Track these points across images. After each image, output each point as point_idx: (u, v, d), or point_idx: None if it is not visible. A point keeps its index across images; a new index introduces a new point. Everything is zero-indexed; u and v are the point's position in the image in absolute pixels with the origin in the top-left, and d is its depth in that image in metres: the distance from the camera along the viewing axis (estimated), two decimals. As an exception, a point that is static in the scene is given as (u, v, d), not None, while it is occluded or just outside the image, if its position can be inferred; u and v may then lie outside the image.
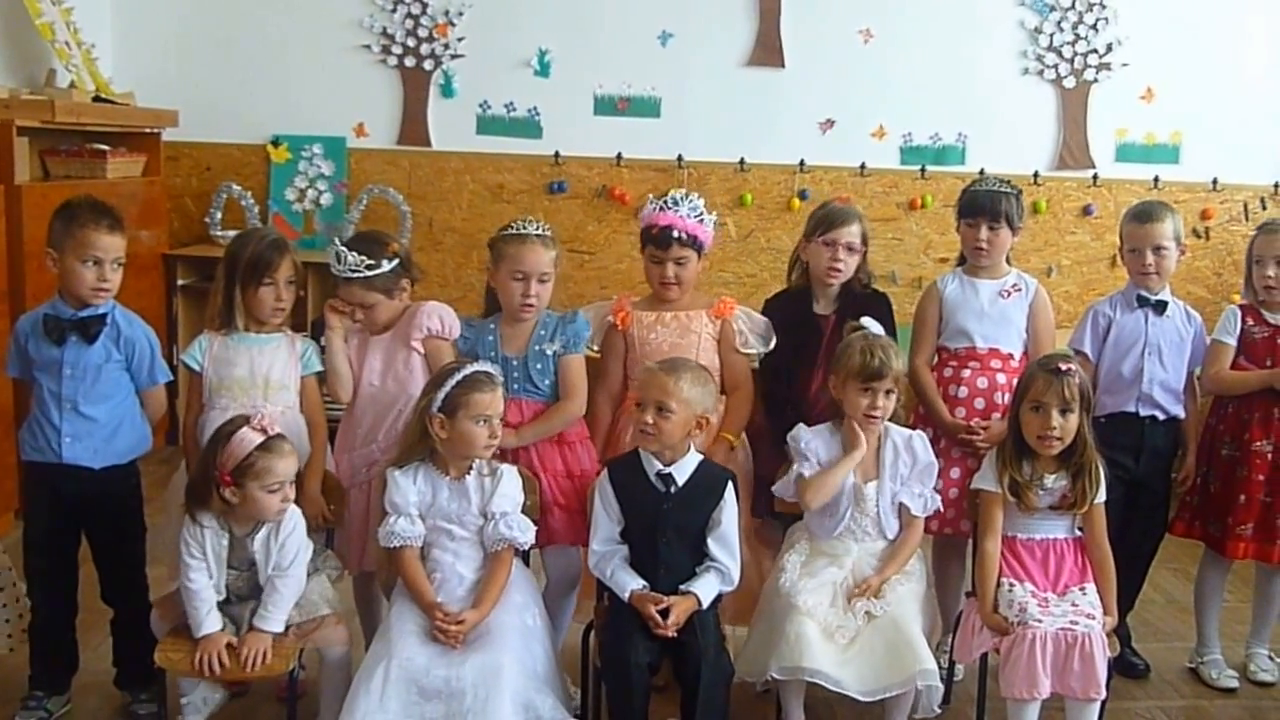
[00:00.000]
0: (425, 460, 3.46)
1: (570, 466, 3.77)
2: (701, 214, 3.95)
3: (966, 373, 4.05)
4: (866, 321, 3.75)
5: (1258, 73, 7.12)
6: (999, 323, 4.08)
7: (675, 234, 3.89)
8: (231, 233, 6.31)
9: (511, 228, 3.81)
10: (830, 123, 7.05)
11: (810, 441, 3.68)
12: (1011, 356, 4.06)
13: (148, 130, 6.49)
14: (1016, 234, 4.13)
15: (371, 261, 3.68)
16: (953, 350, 4.10)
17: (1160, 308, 4.14)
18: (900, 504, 3.68)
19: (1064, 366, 3.57)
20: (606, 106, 7.01)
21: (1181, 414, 4.18)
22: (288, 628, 3.38)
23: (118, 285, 3.57)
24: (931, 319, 4.15)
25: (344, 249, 3.70)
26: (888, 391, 3.62)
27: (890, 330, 3.93)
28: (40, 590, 3.69)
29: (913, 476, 3.69)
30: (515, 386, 3.71)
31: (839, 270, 4.05)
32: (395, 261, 3.72)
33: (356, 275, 3.68)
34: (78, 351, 3.54)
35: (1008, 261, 4.20)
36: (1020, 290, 4.12)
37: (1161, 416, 4.13)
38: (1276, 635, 4.40)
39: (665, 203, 3.94)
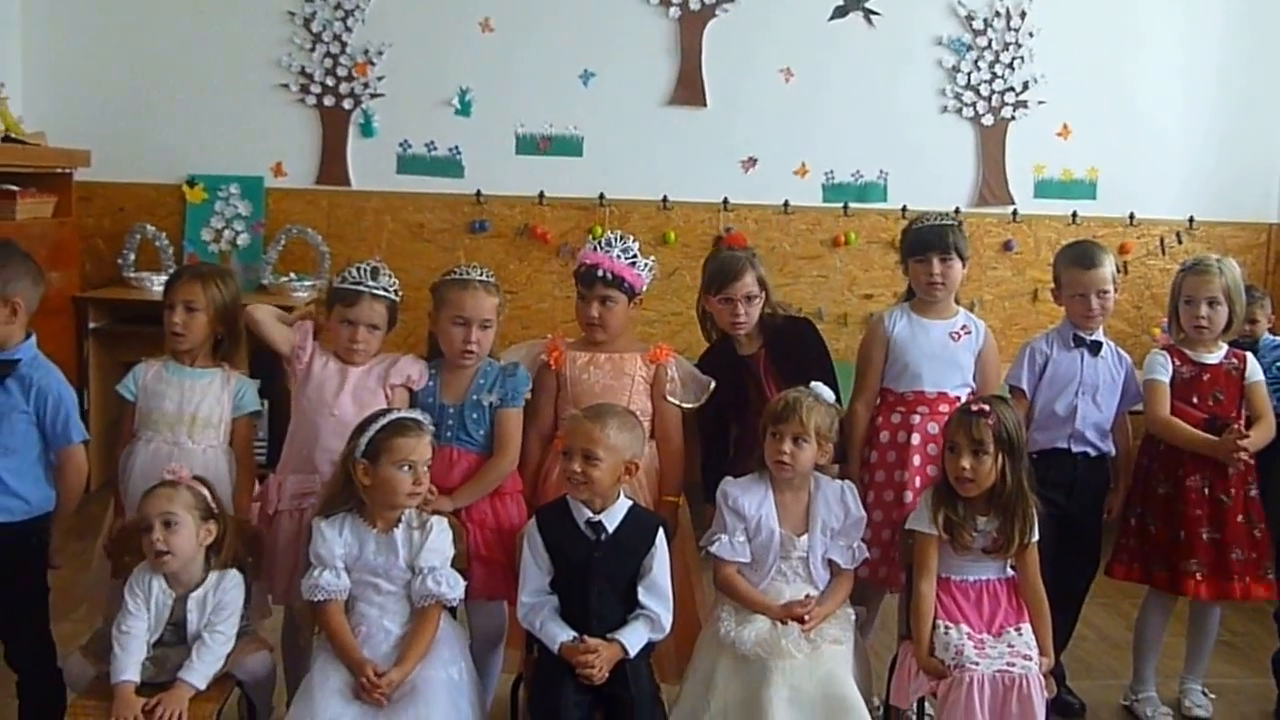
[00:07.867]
0: (352, 511, 3.37)
1: (500, 519, 3.70)
2: (635, 257, 3.93)
3: (916, 418, 3.96)
4: (815, 387, 3.68)
5: (1171, 109, 7.23)
6: (948, 365, 4.01)
7: (600, 273, 3.86)
8: (145, 274, 6.33)
9: (455, 273, 3.81)
10: (753, 161, 7.04)
11: (739, 499, 3.62)
12: (958, 400, 3.96)
13: (59, 170, 6.32)
14: (965, 264, 4.07)
15: (401, 293, 3.75)
16: (900, 394, 4.02)
17: (1096, 348, 4.15)
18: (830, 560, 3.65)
19: (975, 408, 3.56)
20: (528, 145, 6.95)
21: (1111, 450, 4.19)
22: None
23: None
24: (877, 360, 4.06)
25: (383, 268, 3.75)
26: (795, 438, 3.57)
27: (823, 355, 3.98)
28: None
29: (842, 531, 3.65)
30: (449, 435, 3.65)
31: (742, 323, 4.03)
32: None
33: (387, 295, 3.71)
34: None
35: (955, 301, 4.15)
36: (970, 333, 4.05)
37: (1093, 453, 4.15)
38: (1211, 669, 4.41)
39: (599, 244, 3.95)
